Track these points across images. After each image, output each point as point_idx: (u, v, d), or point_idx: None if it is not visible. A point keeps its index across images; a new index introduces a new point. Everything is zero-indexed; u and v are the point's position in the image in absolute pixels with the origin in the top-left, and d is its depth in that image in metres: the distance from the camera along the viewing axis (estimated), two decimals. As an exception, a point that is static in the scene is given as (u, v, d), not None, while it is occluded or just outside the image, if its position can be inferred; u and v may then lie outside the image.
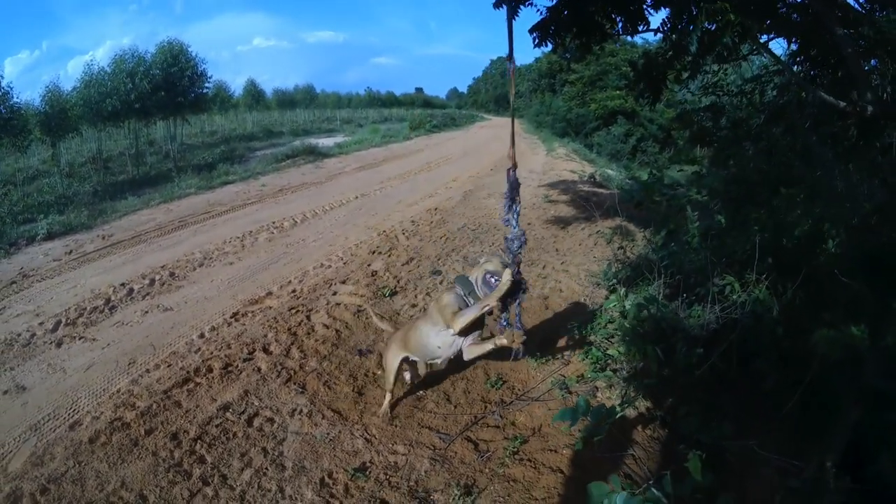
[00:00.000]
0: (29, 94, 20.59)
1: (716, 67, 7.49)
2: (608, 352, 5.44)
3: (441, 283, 7.80)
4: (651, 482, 2.75)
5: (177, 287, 7.83)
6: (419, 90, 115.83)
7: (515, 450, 4.25)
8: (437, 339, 4.37)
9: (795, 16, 5.50)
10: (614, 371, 5.19)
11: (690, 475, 2.43)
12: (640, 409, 4.68)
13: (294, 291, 7.55)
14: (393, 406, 4.76)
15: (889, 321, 3.31)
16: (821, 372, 3.87)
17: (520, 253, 4.17)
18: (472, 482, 3.92)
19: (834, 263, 4.83)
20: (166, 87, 22.14)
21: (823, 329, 3.34)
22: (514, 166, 4.19)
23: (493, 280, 4.18)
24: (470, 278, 4.31)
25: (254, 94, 61.32)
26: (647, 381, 4.72)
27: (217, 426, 4.55)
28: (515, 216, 4.14)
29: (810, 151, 6.09)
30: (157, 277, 8.15)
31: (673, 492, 2.32)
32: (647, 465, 3.99)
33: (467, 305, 4.23)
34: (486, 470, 4.05)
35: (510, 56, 4.37)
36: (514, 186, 4.11)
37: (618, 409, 4.16)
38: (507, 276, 4.08)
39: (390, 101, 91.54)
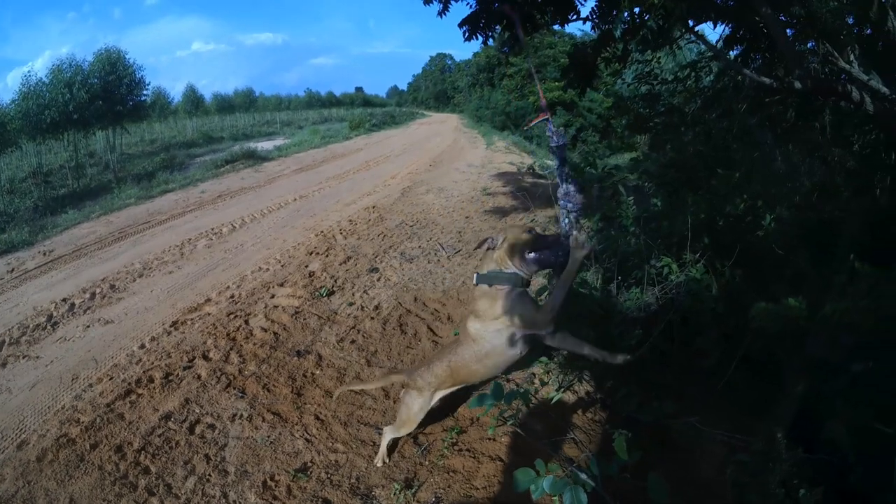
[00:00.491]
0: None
1: (649, 56, 7.57)
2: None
3: (378, 280, 7.86)
4: (575, 465, 2.83)
5: (117, 299, 7.72)
6: (359, 89, 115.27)
7: (454, 441, 4.29)
8: (517, 343, 3.49)
9: None
10: (550, 357, 5.25)
11: (617, 455, 2.48)
12: (579, 394, 4.76)
13: (232, 297, 7.51)
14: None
15: (828, 292, 3.38)
16: (764, 346, 3.97)
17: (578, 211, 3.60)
18: (413, 475, 3.95)
19: (770, 240, 4.96)
20: (104, 95, 21.54)
21: (761, 303, 3.38)
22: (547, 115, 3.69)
23: (532, 255, 3.55)
24: (489, 270, 3.63)
25: (193, 100, 60.52)
26: (582, 363, 4.80)
27: (160, 436, 4.52)
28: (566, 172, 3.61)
29: (748, 133, 6.20)
30: (98, 291, 8.01)
31: (599, 472, 2.38)
32: (588, 448, 4.02)
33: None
34: (426, 462, 4.09)
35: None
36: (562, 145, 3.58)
37: (553, 393, 4.27)
38: (581, 237, 3.39)
39: (330, 101, 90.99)
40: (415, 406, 3.90)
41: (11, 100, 20.19)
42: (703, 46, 6.05)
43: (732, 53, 6.13)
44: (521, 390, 2.67)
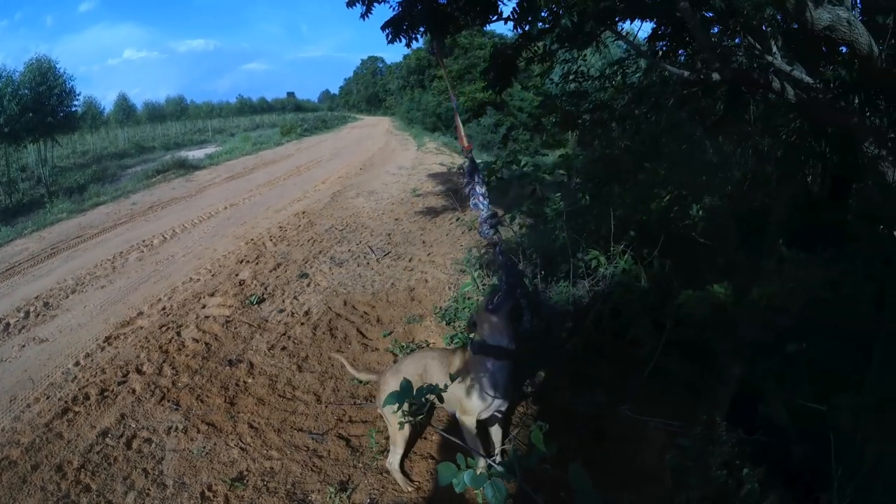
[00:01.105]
0: None
1: (575, 55, 7.64)
2: (471, 336, 5.57)
3: (308, 285, 7.90)
4: (493, 457, 2.92)
5: (51, 317, 7.57)
6: (291, 95, 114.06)
7: (387, 441, 4.30)
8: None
9: None
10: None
11: (535, 447, 2.54)
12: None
13: (164, 309, 7.43)
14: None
15: (757, 278, 3.46)
16: (696, 333, 4.01)
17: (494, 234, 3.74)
18: (347, 478, 4.02)
19: (698, 229, 5.12)
20: (35, 107, 20.79)
21: (688, 290, 3.46)
22: (468, 148, 3.84)
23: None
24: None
25: (125, 110, 59.26)
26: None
27: (98, 453, 4.48)
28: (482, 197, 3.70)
29: (677, 127, 6.31)
30: (32, 309, 7.84)
31: (518, 464, 2.45)
32: (518, 441, 4.15)
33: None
34: (360, 465, 4.16)
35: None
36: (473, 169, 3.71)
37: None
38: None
39: (262, 107, 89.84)
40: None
41: (-59, 112, 19.31)
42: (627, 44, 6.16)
43: (659, 48, 6.26)
44: (434, 385, 2.73)
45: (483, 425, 3.79)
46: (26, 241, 12.20)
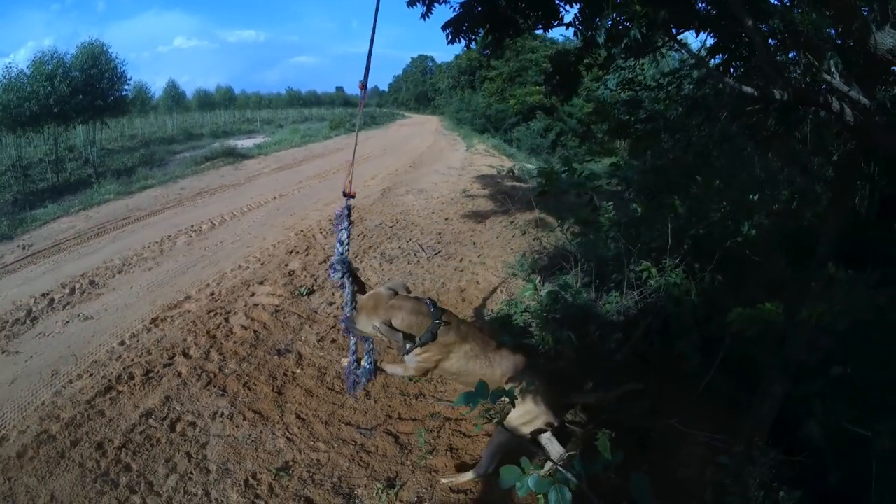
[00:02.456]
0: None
1: (631, 63, 7.57)
2: (525, 341, 5.50)
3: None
4: (560, 463, 2.85)
5: (97, 295, 7.63)
6: (339, 89, 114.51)
7: (437, 441, 4.33)
8: None
9: (705, 6, 5.59)
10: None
11: (601, 454, 2.49)
12: None
13: (212, 294, 7.46)
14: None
15: (805, 297, 3.43)
16: (743, 349, 4.06)
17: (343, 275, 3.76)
18: (395, 475, 3.98)
19: (749, 246, 5.06)
20: (86, 89, 21.14)
21: (738, 307, 3.43)
22: (349, 195, 3.74)
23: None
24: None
25: (174, 96, 60.16)
26: (563, 364, 4.83)
27: (140, 433, 4.48)
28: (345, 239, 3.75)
29: (728, 140, 6.23)
30: (78, 286, 7.91)
31: (583, 471, 2.39)
32: (567, 448, 4.04)
33: None
34: (408, 462, 4.12)
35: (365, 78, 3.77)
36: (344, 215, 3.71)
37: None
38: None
39: (311, 100, 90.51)
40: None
41: (-8, 91, 19.70)
42: (685, 54, 6.09)
43: (714, 62, 6.17)
44: (508, 388, 2.67)
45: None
46: (73, 219, 12.34)
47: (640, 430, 4.11)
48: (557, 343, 4.95)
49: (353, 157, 3.96)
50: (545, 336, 5.07)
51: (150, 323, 6.59)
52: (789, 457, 3.02)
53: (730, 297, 4.46)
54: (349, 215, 3.69)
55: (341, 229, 3.69)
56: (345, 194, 3.71)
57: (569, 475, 2.33)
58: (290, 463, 4.12)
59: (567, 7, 5.56)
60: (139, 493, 3.83)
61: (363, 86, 3.80)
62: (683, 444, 4.00)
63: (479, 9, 5.53)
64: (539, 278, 6.34)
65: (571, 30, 5.72)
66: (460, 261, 8.69)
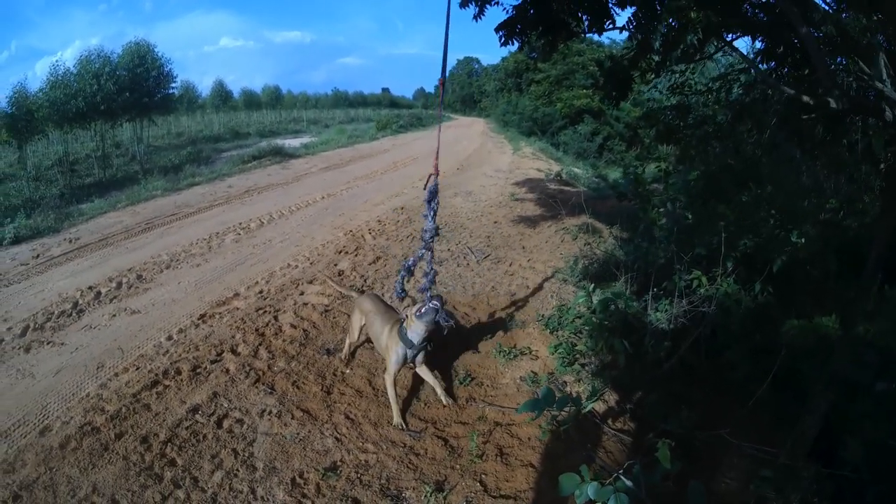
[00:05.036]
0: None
1: (682, 67, 7.54)
2: (576, 347, 5.49)
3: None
4: (621, 471, 2.79)
5: (144, 289, 7.73)
6: (385, 90, 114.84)
7: (486, 445, 4.27)
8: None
9: (760, 14, 5.54)
10: (582, 366, 5.25)
11: (660, 463, 2.45)
12: (609, 403, 4.74)
13: (261, 292, 7.50)
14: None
15: (854, 312, 3.37)
16: (791, 362, 3.96)
17: (431, 242, 4.74)
18: (444, 479, 3.94)
19: (799, 257, 4.99)
20: (132, 87, 21.57)
21: (793, 319, 3.36)
22: (436, 173, 4.69)
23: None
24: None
25: (221, 95, 60.89)
26: (614, 373, 4.76)
27: (187, 428, 4.50)
28: (432, 213, 4.68)
29: (777, 148, 6.13)
30: (125, 280, 8.03)
31: (644, 480, 2.34)
32: (617, 456, 4.03)
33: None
34: (458, 466, 4.08)
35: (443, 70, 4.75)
36: (434, 191, 4.62)
37: (584, 402, 4.21)
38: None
39: (357, 101, 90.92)
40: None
41: (39, 88, 20.16)
42: (732, 57, 6.04)
43: (762, 67, 6.10)
44: (574, 396, 2.61)
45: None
46: (120, 215, 12.57)
47: (684, 440, 4.02)
48: (611, 351, 4.88)
49: (438, 145, 4.83)
50: (600, 344, 5.00)
51: (199, 319, 6.64)
52: (831, 471, 3.04)
53: (779, 307, 4.50)
54: (436, 192, 4.63)
55: (432, 204, 4.62)
56: (433, 174, 4.65)
57: (629, 483, 2.30)
58: (338, 463, 4.10)
59: (619, 10, 5.54)
60: (183, 488, 3.84)
61: (442, 82, 4.79)
62: (727, 454, 3.94)
63: (532, 11, 5.51)
64: (592, 285, 6.27)
65: (619, 33, 5.75)
66: (510, 265, 8.63)
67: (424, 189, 4.57)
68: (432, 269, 4.77)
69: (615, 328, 4.96)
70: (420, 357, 4.83)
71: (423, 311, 4.56)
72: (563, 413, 3.66)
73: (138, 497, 3.77)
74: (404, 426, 4.58)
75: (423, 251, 4.74)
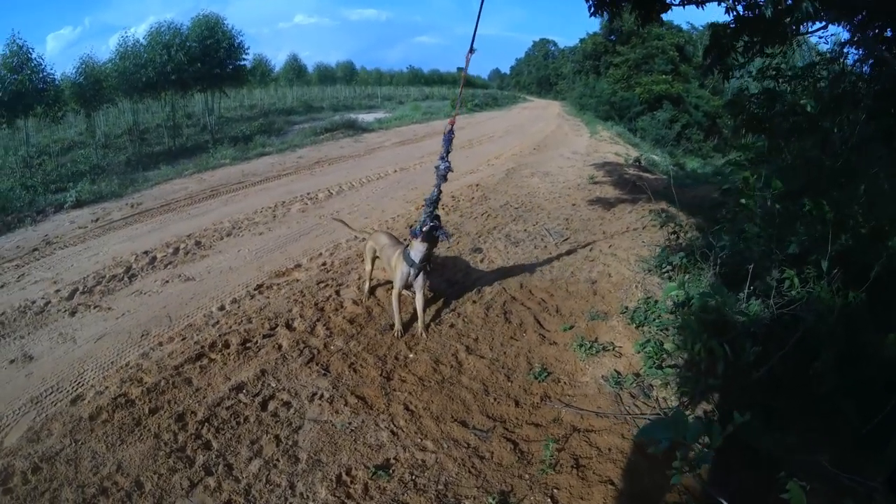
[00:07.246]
0: (70, 70, 20.19)
1: (777, 49, 7.14)
2: (664, 346, 5.00)
3: (481, 261, 7.46)
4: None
5: (201, 256, 7.56)
6: (461, 70, 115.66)
7: (561, 453, 3.82)
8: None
9: None
10: (671, 367, 4.76)
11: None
12: (696, 413, 4.28)
13: (324, 264, 7.24)
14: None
15: None
16: (887, 378, 3.69)
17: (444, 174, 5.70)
18: (510, 489, 3.51)
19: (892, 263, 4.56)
20: (203, 58, 21.74)
21: (892, 333, 3.25)
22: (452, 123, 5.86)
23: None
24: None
25: (295, 69, 61.33)
26: (712, 381, 4.24)
27: (228, 408, 4.21)
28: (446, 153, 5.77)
29: (867, 143, 5.71)
30: (182, 246, 7.88)
31: None
32: (710, 477, 3.51)
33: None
34: (526, 476, 3.64)
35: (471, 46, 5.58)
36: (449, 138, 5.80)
37: (720, 431, 3.76)
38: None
39: (433, 79, 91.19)
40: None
41: (109, 59, 20.52)
42: (826, 45, 5.67)
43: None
44: (708, 422, 2.10)
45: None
46: (186, 181, 12.55)
47: (775, 460, 3.61)
48: (709, 354, 4.33)
49: (459, 101, 5.11)
50: (697, 346, 4.45)
51: (255, 289, 6.43)
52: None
53: (876, 318, 4.18)
54: (451, 134, 5.80)
55: (448, 145, 5.79)
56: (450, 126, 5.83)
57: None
58: (392, 461, 3.74)
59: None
60: (215, 476, 3.55)
61: (469, 55, 5.84)
62: (809, 478, 3.38)
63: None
64: (687, 276, 5.74)
65: (718, 5, 5.35)
66: (590, 250, 8.14)
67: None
68: (439, 190, 5.65)
69: (714, 328, 4.45)
70: (420, 280, 5.57)
71: (419, 222, 5.45)
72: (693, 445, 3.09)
73: (165, 481, 3.49)
74: (402, 333, 5.46)
75: (436, 189, 5.62)
